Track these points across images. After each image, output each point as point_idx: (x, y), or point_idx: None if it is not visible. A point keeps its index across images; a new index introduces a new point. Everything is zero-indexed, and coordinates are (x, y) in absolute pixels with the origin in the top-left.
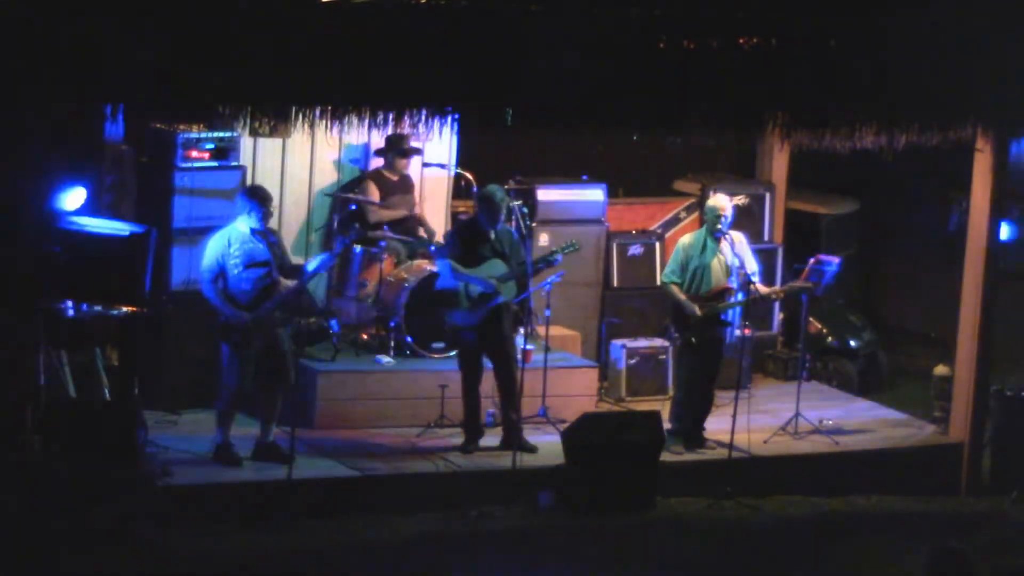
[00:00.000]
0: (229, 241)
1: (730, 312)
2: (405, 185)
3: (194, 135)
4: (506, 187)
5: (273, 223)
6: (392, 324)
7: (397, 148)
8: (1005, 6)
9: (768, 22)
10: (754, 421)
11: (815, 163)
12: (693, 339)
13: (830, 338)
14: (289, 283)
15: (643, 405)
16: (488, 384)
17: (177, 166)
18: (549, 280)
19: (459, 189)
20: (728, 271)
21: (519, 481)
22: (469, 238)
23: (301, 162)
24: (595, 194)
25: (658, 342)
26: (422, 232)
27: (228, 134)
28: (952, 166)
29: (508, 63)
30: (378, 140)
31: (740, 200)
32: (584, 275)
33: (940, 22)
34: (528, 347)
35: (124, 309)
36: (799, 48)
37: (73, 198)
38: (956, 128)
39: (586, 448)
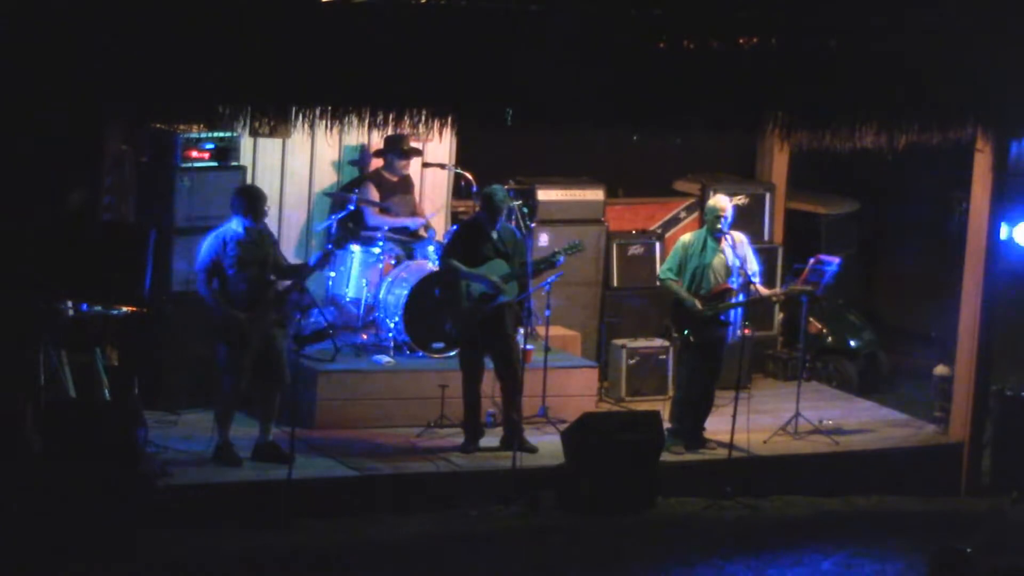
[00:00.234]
0: (224, 241)
1: (730, 312)
2: (405, 186)
3: (194, 135)
4: (506, 187)
5: (273, 223)
6: (392, 324)
7: (396, 149)
8: (1005, 6)
9: (768, 22)
10: (754, 421)
11: (815, 163)
12: (692, 337)
13: (830, 338)
14: (286, 283)
15: (643, 405)
16: (488, 384)
17: (177, 166)
18: (548, 280)
19: (459, 189)
20: (729, 271)
21: (519, 481)
22: (471, 238)
23: (301, 162)
24: (595, 194)
25: (658, 342)
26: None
27: (228, 134)
28: (952, 166)
29: (508, 63)
30: (378, 140)
31: (740, 200)
32: (584, 275)
33: (940, 22)
34: (528, 347)
35: (124, 309)
36: (799, 48)
37: (73, 198)
38: (956, 128)
39: (586, 448)
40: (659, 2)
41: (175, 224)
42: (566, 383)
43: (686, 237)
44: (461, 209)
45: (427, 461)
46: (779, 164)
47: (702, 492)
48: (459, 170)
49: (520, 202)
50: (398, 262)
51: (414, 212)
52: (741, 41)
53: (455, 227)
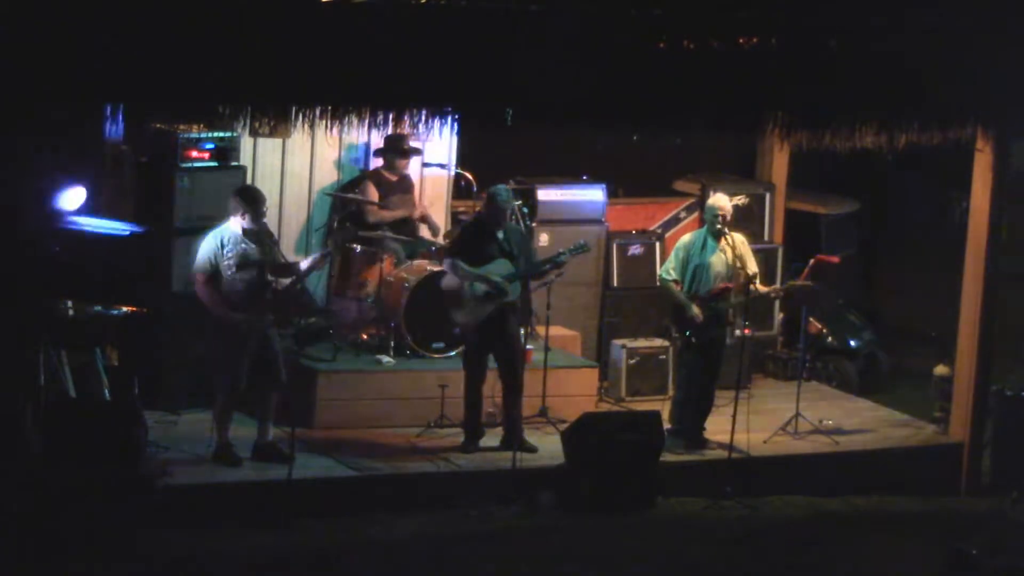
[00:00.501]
0: (222, 242)
1: (730, 312)
2: (405, 185)
3: (194, 135)
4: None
5: (273, 223)
6: (392, 324)
7: (396, 148)
8: (1005, 6)
9: (768, 22)
10: (754, 421)
11: (815, 163)
12: (693, 338)
13: (830, 338)
14: (284, 282)
15: (643, 405)
16: (488, 384)
17: (177, 166)
18: (548, 281)
19: (459, 189)
20: (729, 270)
21: (519, 481)
22: (476, 237)
23: (301, 162)
24: (595, 194)
25: (658, 342)
26: (425, 230)
27: (228, 134)
28: (952, 166)
29: (508, 63)
30: (378, 140)
31: (740, 200)
32: (584, 275)
33: (940, 22)
34: (528, 347)
35: (124, 309)
36: (799, 48)
37: (73, 198)
38: (956, 128)
39: (586, 448)
40: (659, 2)
41: (175, 224)
42: (566, 383)
43: (685, 237)
44: (461, 209)
45: (427, 461)
46: (779, 164)
47: (702, 492)
48: (459, 170)
49: (520, 202)
50: (398, 262)
51: (414, 212)
52: (741, 41)
53: (461, 227)
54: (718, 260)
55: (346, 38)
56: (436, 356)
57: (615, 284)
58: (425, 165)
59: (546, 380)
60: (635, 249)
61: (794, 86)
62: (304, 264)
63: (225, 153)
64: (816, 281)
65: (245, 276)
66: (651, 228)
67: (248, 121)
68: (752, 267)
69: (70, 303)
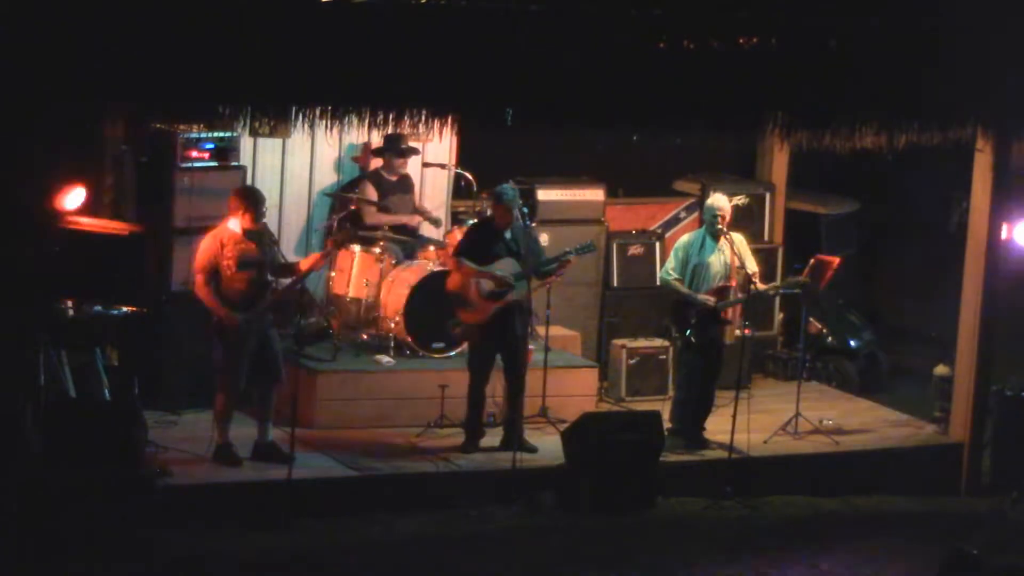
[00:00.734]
0: (222, 242)
1: (729, 311)
2: (404, 185)
3: (194, 135)
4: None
5: (273, 223)
6: (392, 324)
7: (394, 148)
8: (1005, 6)
9: (768, 22)
10: (754, 421)
11: (815, 163)
12: (693, 338)
13: (830, 338)
14: (284, 282)
15: (643, 405)
16: (489, 384)
17: (177, 166)
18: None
19: (459, 189)
20: (728, 269)
21: (519, 481)
22: (481, 236)
23: (301, 162)
24: (595, 194)
25: (658, 342)
26: (427, 226)
27: (228, 134)
28: (952, 166)
29: (508, 63)
30: (378, 140)
31: (740, 200)
32: (584, 275)
33: (940, 22)
34: (528, 347)
35: (124, 309)
36: (799, 48)
37: (73, 198)
38: (956, 128)
39: (586, 448)
40: (659, 2)
41: (175, 224)
42: (566, 383)
43: (684, 238)
44: (461, 209)
45: (427, 461)
46: (779, 164)
47: (702, 492)
48: (459, 170)
49: (520, 202)
50: (398, 262)
51: (414, 211)
52: (741, 41)
53: (468, 225)
54: (717, 260)
55: (346, 38)
56: (436, 356)
57: (615, 284)
58: (425, 165)
59: (546, 380)
60: (635, 249)
61: (794, 86)
62: (304, 264)
63: (225, 153)
64: (813, 280)
65: (245, 276)
66: (651, 228)
67: (248, 121)
68: (752, 266)
69: (70, 303)
